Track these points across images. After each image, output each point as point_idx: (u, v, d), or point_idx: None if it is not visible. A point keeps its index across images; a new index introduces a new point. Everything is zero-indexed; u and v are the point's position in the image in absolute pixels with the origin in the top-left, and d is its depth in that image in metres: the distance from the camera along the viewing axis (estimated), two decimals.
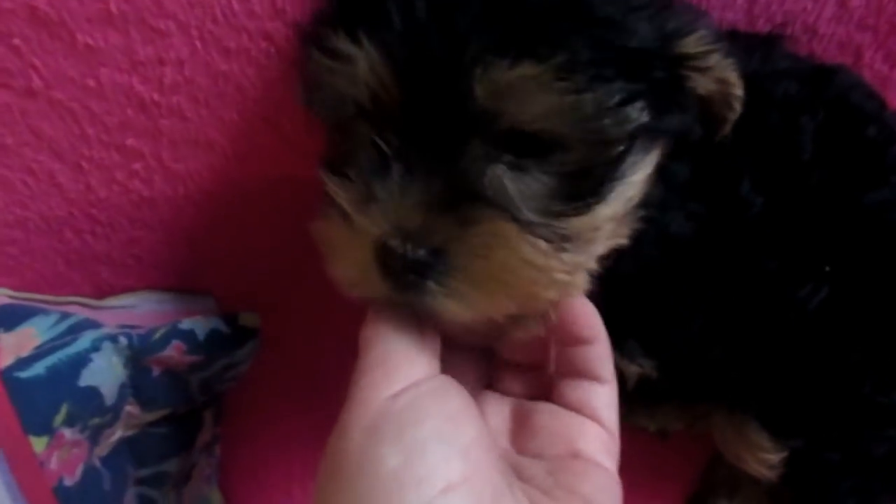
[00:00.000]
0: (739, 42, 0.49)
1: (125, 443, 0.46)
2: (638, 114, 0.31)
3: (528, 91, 0.29)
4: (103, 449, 0.43)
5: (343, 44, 0.29)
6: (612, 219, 0.33)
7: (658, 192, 0.37)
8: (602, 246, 0.34)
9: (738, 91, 0.36)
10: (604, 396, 0.35)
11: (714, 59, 0.34)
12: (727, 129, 0.37)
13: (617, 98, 0.30)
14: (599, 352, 0.35)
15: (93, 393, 0.40)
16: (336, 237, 0.31)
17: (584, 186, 0.32)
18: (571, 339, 0.35)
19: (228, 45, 0.37)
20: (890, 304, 0.45)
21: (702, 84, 0.35)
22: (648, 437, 0.62)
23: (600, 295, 0.40)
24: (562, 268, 0.31)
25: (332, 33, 0.30)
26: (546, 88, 0.29)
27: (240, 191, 0.40)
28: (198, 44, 0.37)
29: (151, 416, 0.46)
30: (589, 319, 0.35)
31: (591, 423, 0.34)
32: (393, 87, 0.30)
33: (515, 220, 0.30)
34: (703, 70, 0.34)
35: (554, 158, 0.31)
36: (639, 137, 0.33)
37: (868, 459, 0.51)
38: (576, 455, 0.33)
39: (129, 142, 0.40)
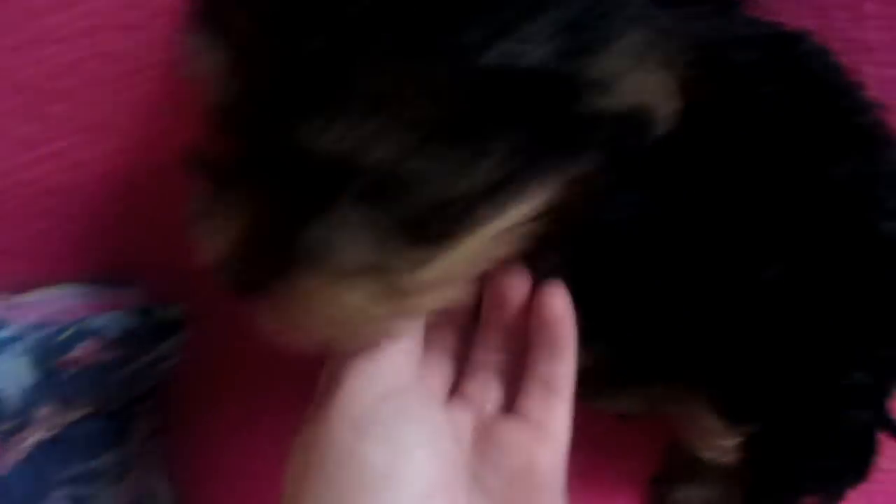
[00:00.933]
0: (697, 7, 0.46)
1: (45, 444, 0.44)
2: (485, 172, 0.29)
3: (351, 146, 0.27)
4: (15, 454, 0.41)
5: (204, 39, 0.28)
6: (454, 268, 0.31)
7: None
8: (453, 287, 0.32)
9: (670, 106, 0.33)
10: (561, 412, 0.36)
11: (631, 82, 0.31)
12: (646, 143, 0.34)
13: (455, 159, 0.28)
14: (566, 367, 0.37)
15: None
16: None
17: (429, 231, 0.30)
18: (544, 352, 0.36)
19: (124, 19, 0.34)
20: (854, 282, 0.44)
21: (615, 103, 0.31)
22: (612, 419, 0.61)
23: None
24: (387, 313, 0.31)
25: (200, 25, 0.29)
26: (368, 144, 0.27)
27: (146, 176, 0.37)
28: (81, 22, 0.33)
29: (71, 417, 0.44)
30: (565, 328, 0.37)
31: (549, 437, 0.36)
32: (237, 101, 0.28)
33: (344, 264, 0.29)
34: (617, 92, 0.31)
35: (391, 204, 0.29)
36: (496, 189, 0.30)
37: (829, 441, 0.50)
38: (531, 469, 0.34)
39: (21, 129, 0.37)
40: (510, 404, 0.37)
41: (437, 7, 0.27)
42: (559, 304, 0.37)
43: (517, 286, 0.37)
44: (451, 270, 0.31)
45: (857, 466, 0.54)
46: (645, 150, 0.34)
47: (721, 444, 0.50)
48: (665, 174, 0.39)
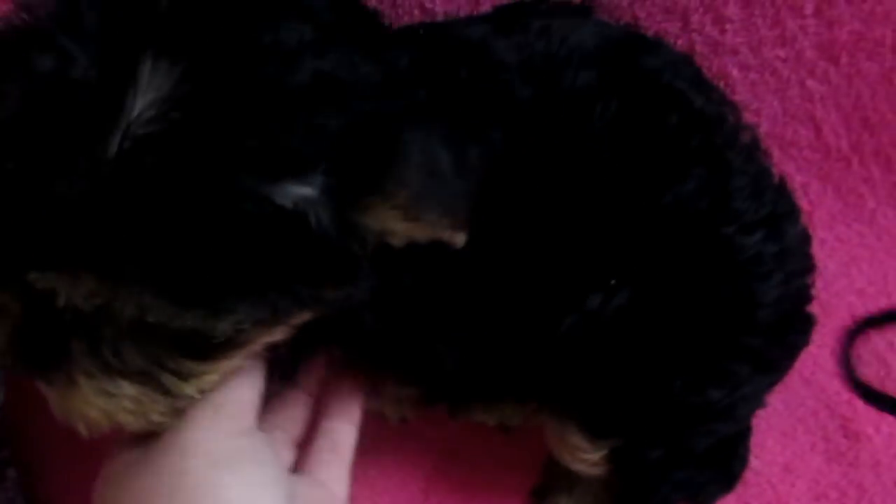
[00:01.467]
0: (544, 18, 0.44)
1: None
2: (235, 321, 0.29)
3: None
4: None
5: None
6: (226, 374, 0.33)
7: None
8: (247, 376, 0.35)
9: (459, 238, 0.32)
10: (344, 474, 0.40)
11: (407, 228, 0.30)
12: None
13: (196, 317, 0.28)
14: (347, 436, 0.41)
15: None
16: None
17: (193, 350, 0.31)
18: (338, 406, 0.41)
19: None
20: (697, 306, 0.43)
21: (398, 241, 0.31)
22: (491, 431, 0.60)
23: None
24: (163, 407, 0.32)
25: None
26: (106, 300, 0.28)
27: None
28: None
29: None
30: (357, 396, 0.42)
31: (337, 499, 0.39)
32: None
33: (105, 367, 0.30)
34: (394, 235, 0.31)
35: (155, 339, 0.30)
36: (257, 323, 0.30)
37: (691, 453, 0.50)
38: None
39: None
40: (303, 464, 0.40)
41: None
42: (350, 381, 0.42)
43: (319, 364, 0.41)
44: (218, 371, 0.33)
45: (724, 477, 0.54)
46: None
47: (586, 458, 0.49)
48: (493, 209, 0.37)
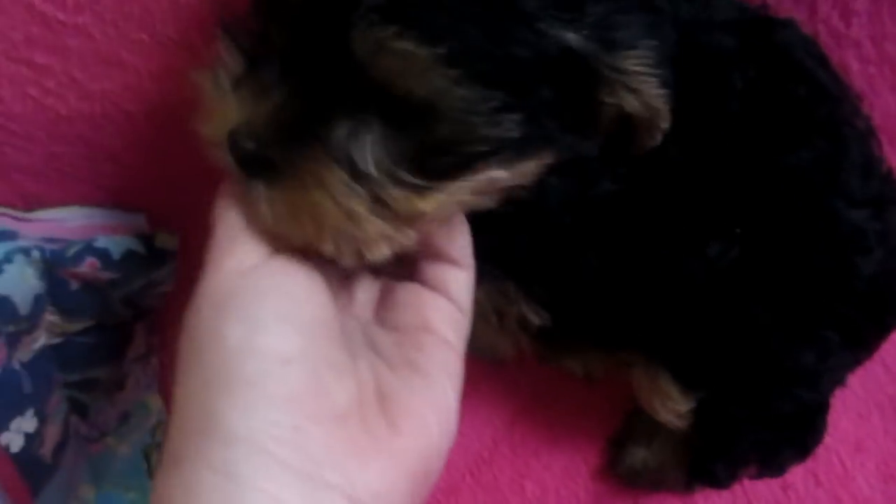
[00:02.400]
0: None
1: (50, 349, 0.48)
2: (511, 125, 0.31)
3: (404, 63, 0.29)
4: (24, 354, 0.46)
5: None
6: (445, 205, 0.33)
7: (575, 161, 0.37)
8: (422, 229, 0.34)
9: (665, 124, 0.35)
10: (458, 277, 0.36)
11: (647, 84, 0.33)
12: (644, 150, 0.36)
13: (491, 105, 0.30)
14: (458, 239, 0.37)
15: (4, 301, 0.42)
16: (209, 96, 0.32)
17: (434, 165, 0.32)
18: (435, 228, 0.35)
19: None
20: (799, 268, 0.46)
21: (629, 103, 0.34)
22: (576, 379, 0.64)
23: (500, 237, 0.41)
24: (377, 231, 0.32)
25: None
26: (421, 67, 0.29)
27: (157, 109, 0.41)
28: None
29: (75, 327, 0.49)
30: (461, 246, 0.37)
31: (444, 301, 0.36)
32: (294, 4, 0.30)
33: (352, 170, 0.31)
34: (634, 91, 0.33)
35: (414, 129, 0.31)
36: (510, 145, 0.32)
37: (773, 416, 0.53)
38: (426, 328, 0.35)
39: (38, 58, 0.40)
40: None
41: None
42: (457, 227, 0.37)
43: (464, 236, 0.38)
44: (435, 206, 0.32)
45: (799, 444, 0.57)
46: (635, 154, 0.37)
47: (674, 408, 0.52)
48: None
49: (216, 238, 0.32)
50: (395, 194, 0.31)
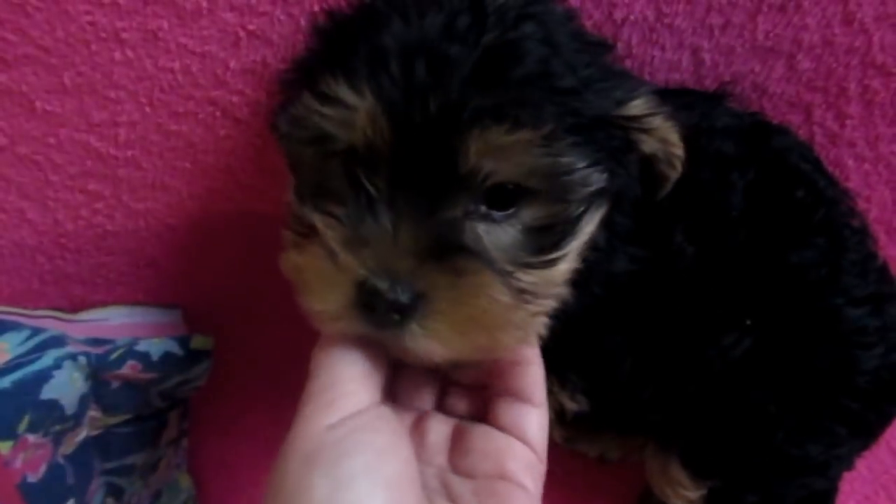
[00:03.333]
0: (685, 98, 0.51)
1: (91, 440, 0.51)
2: (599, 176, 0.35)
3: (517, 153, 0.32)
4: (68, 448, 0.49)
5: (342, 91, 0.32)
6: (568, 272, 0.37)
7: (603, 238, 0.40)
8: (556, 297, 0.37)
9: (679, 151, 0.39)
10: (535, 419, 0.36)
11: (657, 122, 0.37)
12: (669, 186, 0.40)
13: (585, 162, 0.34)
14: (533, 375, 0.37)
15: (53, 404, 0.45)
16: (316, 272, 0.33)
17: (546, 241, 0.35)
18: (509, 364, 0.37)
19: (177, 109, 0.41)
20: (804, 363, 0.48)
21: (647, 144, 0.38)
22: (589, 461, 0.66)
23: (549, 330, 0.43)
24: (526, 316, 0.34)
25: (331, 79, 0.32)
26: (532, 152, 0.33)
27: (197, 223, 0.44)
28: (148, 109, 0.41)
29: (115, 420, 0.52)
30: (534, 382, 0.37)
31: (520, 445, 0.36)
32: (389, 137, 0.32)
33: (493, 270, 0.33)
34: (647, 131, 0.38)
35: (525, 214, 0.35)
36: (596, 198, 0.37)
37: (784, 502, 0.54)
38: (503, 476, 0.35)
39: (91, 186, 0.45)
40: (486, 416, 0.37)
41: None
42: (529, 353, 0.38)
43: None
44: (564, 272, 0.36)
45: None
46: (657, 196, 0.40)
47: (685, 494, 0.53)
48: (657, 240, 0.44)
49: (311, 389, 0.32)
50: (528, 279, 0.34)
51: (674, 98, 0.50)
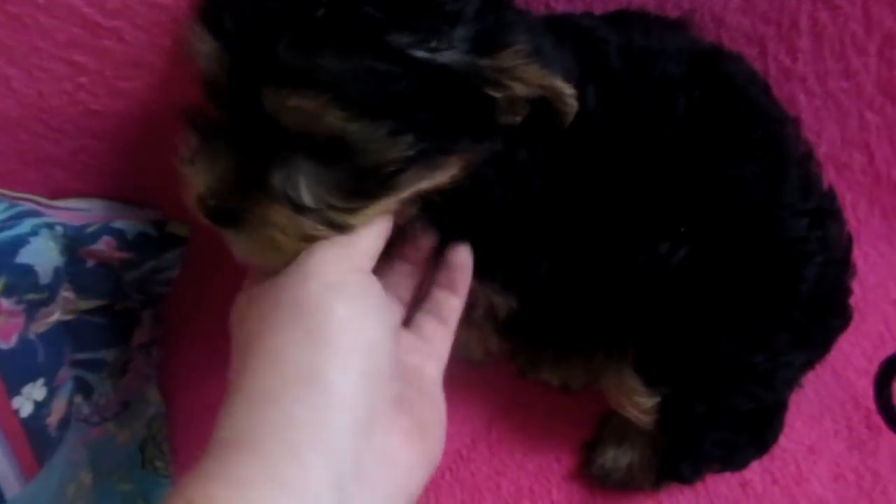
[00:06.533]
0: (643, 21, 0.53)
1: (63, 325, 0.52)
2: (406, 146, 0.38)
3: (305, 114, 0.36)
4: (40, 327, 0.50)
5: (198, 29, 0.37)
6: (379, 213, 0.41)
7: (494, 172, 0.43)
8: (372, 229, 0.41)
9: (569, 90, 0.40)
10: (447, 337, 0.45)
11: (528, 69, 0.39)
12: (568, 120, 0.41)
13: (383, 131, 0.37)
14: (455, 304, 0.46)
15: (28, 269, 0.46)
16: (181, 172, 0.40)
17: (361, 188, 0.39)
18: (444, 280, 0.46)
19: None
20: (745, 273, 0.50)
21: (518, 89, 0.39)
22: (553, 391, 0.68)
23: (466, 228, 0.46)
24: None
25: (197, 16, 0.37)
26: (318, 114, 0.36)
27: (178, 112, 0.46)
28: None
29: (87, 305, 0.53)
30: (464, 271, 0.46)
31: (436, 355, 0.44)
32: (223, 79, 0.37)
33: (294, 206, 0.38)
34: (516, 79, 0.39)
35: (339, 163, 0.38)
36: (416, 160, 0.39)
37: (733, 414, 0.57)
38: (420, 375, 0.42)
39: (77, 57, 0.46)
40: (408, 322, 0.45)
41: (381, 15, 0.36)
42: (463, 255, 0.46)
43: (428, 240, 0.46)
44: (364, 220, 0.40)
45: (758, 440, 0.60)
46: (560, 129, 0.41)
47: (640, 402, 0.56)
48: (582, 154, 0.46)
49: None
50: (333, 217, 0.39)
51: (633, 21, 0.53)
